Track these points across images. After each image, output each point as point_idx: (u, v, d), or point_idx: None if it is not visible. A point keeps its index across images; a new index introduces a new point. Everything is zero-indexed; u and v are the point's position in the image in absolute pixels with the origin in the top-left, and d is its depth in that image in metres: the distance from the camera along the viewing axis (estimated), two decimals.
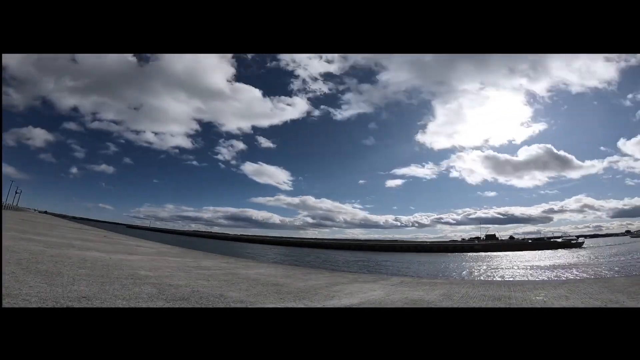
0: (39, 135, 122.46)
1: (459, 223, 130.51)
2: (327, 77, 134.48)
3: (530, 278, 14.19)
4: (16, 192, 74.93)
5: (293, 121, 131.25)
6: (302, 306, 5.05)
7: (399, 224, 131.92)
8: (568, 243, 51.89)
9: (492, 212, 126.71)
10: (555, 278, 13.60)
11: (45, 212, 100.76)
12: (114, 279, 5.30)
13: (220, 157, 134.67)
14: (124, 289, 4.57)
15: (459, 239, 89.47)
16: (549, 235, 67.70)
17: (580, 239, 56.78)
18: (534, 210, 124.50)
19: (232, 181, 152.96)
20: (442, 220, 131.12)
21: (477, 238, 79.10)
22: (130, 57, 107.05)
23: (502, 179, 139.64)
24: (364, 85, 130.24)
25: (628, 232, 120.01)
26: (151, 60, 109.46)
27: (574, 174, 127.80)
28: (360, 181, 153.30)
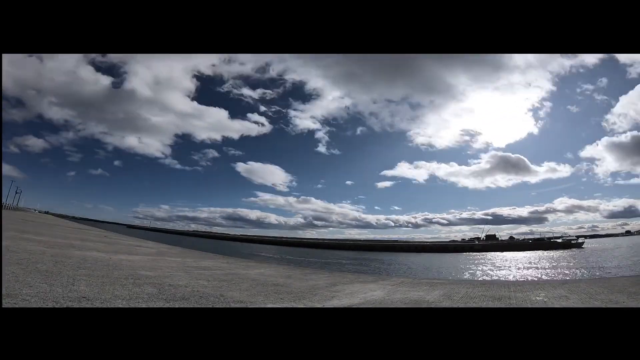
0: (38, 144, 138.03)
1: (451, 223, 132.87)
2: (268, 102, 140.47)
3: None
4: (16, 192, 75.10)
5: (261, 135, 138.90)
6: (302, 306, 5.05)
7: (392, 223, 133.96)
8: (568, 243, 51.86)
9: (478, 214, 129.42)
10: (556, 278, 13.60)
11: (47, 213, 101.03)
12: (114, 279, 5.30)
13: (203, 163, 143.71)
14: (124, 289, 4.57)
15: (459, 239, 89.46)
16: (548, 236, 67.68)
17: (580, 239, 56.76)
18: (522, 212, 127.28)
19: (225, 182, 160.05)
20: (433, 220, 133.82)
21: (477, 238, 78.98)
22: (104, 80, 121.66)
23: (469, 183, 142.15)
24: (301, 106, 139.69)
25: (628, 233, 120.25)
26: (122, 83, 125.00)
27: (532, 178, 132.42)
28: (347, 182, 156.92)
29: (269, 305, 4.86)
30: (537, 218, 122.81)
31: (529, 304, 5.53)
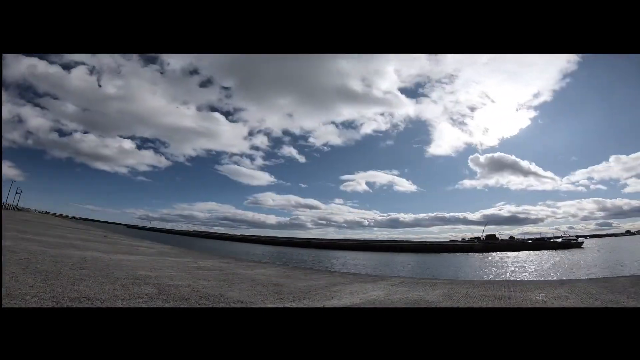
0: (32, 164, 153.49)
1: (417, 224, 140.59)
2: None
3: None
4: (16, 193, 75.00)
5: None
6: (302, 306, 5.05)
7: (367, 223, 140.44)
8: (568, 243, 51.99)
9: (426, 215, 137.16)
10: (556, 278, 13.60)
11: (47, 213, 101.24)
12: (114, 279, 5.30)
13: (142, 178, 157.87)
14: (124, 289, 4.57)
15: (459, 239, 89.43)
16: (548, 236, 67.98)
17: (580, 239, 56.87)
18: (474, 216, 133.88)
19: (217, 182, 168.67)
20: (398, 219, 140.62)
21: (477, 238, 78.94)
22: (56, 138, 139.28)
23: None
24: None
25: (628, 232, 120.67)
26: (70, 138, 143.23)
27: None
28: (312, 183, 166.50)
29: (269, 305, 4.86)
30: (509, 220, 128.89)
31: (529, 304, 5.53)
